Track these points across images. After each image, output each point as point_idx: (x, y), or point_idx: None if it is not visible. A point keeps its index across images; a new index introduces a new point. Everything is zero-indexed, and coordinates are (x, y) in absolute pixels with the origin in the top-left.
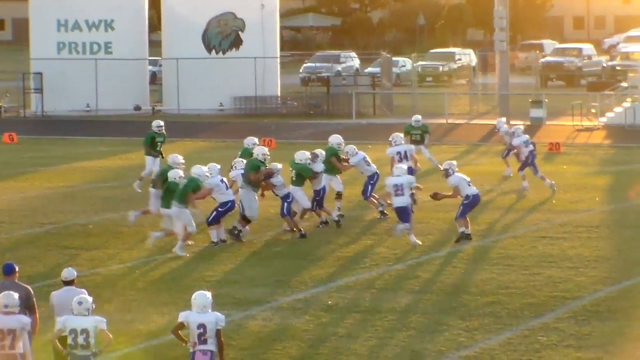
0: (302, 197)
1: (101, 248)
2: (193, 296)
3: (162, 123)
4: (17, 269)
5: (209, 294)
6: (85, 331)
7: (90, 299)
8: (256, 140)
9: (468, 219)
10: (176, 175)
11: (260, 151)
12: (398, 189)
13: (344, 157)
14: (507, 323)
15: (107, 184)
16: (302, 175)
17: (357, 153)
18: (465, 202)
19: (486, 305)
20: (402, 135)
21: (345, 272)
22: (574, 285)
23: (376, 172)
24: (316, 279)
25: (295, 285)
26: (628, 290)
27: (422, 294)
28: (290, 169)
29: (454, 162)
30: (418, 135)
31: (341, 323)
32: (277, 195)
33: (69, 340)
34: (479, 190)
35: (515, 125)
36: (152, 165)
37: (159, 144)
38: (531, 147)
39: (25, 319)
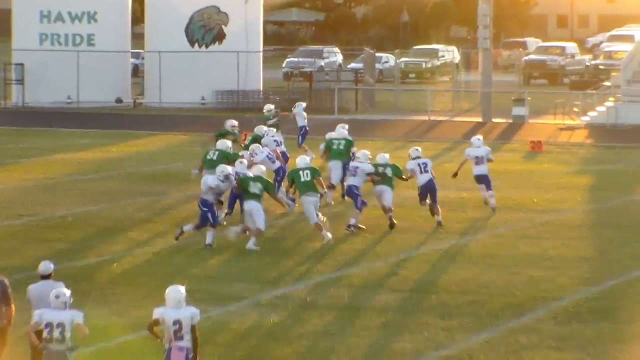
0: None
1: (80, 241)
2: (167, 291)
3: (236, 123)
4: None
5: (182, 289)
6: (61, 325)
7: (67, 292)
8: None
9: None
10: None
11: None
12: (479, 160)
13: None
14: (487, 323)
15: (87, 176)
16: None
17: (262, 152)
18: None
19: (466, 305)
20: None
21: (324, 269)
22: (555, 286)
23: (282, 167)
24: (295, 275)
25: (274, 282)
26: (609, 291)
27: (401, 292)
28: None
29: (419, 149)
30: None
31: (319, 320)
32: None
33: (45, 334)
34: (432, 177)
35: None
36: None
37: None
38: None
39: None
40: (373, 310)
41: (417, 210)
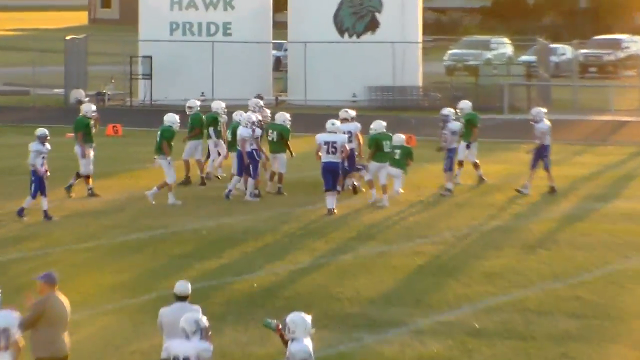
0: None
1: (215, 257)
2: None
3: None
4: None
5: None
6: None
7: (198, 317)
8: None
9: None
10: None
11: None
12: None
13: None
14: None
15: (225, 184)
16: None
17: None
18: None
19: None
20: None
21: (495, 290)
22: None
23: None
24: (461, 298)
25: (437, 306)
26: None
27: (583, 319)
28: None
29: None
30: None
31: (489, 350)
32: None
33: None
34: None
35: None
36: None
37: None
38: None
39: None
40: (551, 339)
41: (599, 224)
